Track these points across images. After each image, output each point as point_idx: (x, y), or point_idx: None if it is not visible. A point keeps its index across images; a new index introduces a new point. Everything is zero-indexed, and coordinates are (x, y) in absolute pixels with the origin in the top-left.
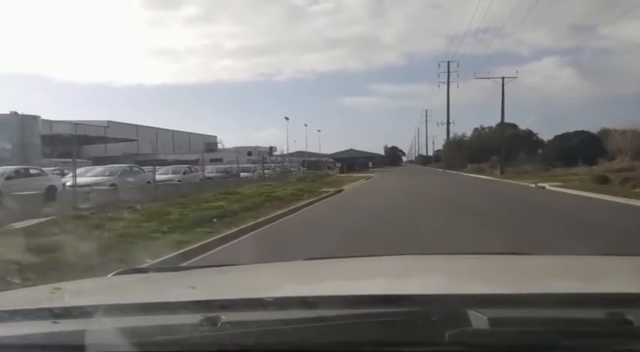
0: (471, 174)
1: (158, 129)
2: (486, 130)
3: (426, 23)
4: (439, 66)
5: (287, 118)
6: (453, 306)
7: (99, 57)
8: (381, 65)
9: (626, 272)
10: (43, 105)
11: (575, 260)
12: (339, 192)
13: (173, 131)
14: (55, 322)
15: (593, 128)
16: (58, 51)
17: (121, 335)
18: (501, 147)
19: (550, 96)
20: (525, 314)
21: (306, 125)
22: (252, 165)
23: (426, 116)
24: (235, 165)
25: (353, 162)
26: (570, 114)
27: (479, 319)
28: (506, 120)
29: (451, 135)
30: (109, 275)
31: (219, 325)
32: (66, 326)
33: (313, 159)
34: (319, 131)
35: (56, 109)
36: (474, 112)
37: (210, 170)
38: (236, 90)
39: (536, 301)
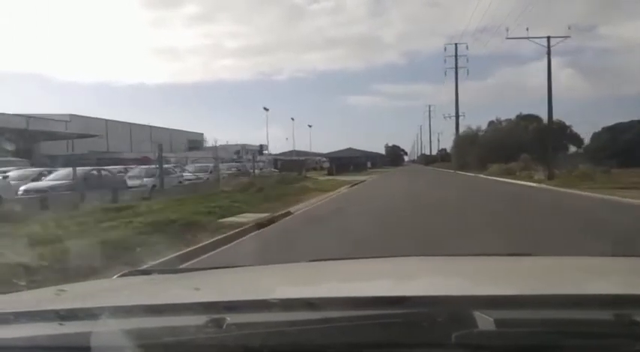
0: (499, 178)
1: (132, 124)
2: (504, 124)
3: (425, 22)
4: (445, 49)
5: (266, 109)
6: (459, 307)
7: (100, 56)
8: (382, 64)
9: (633, 274)
10: (44, 106)
11: (581, 261)
12: (267, 224)
13: (151, 127)
14: (61, 324)
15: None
16: (59, 51)
17: (126, 337)
18: (549, 141)
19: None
20: (532, 315)
21: (292, 119)
22: (174, 168)
23: (429, 111)
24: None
25: (347, 161)
26: (572, 113)
27: (485, 320)
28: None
29: (462, 130)
30: (114, 277)
31: (224, 326)
32: (72, 327)
33: (302, 158)
34: (310, 126)
35: (56, 109)
36: (480, 112)
37: (53, 177)
38: (236, 89)
39: (542, 302)
